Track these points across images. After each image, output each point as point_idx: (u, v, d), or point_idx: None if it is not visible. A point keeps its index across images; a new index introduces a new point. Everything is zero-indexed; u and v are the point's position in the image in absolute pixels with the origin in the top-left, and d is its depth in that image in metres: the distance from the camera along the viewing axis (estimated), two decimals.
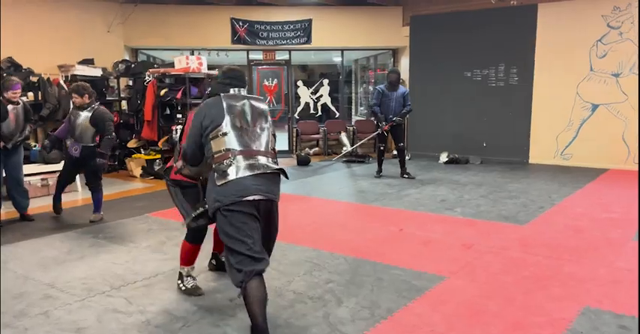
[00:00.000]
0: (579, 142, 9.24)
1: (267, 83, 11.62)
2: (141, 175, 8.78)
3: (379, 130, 8.17)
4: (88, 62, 9.26)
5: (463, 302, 3.46)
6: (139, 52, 11.12)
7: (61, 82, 8.70)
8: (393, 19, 11.08)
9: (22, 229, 5.47)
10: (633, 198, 6.54)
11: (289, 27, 10.80)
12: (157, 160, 8.83)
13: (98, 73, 9.28)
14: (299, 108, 11.86)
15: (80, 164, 5.83)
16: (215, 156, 2.90)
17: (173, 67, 8.63)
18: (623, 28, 8.62)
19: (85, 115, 5.70)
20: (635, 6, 8.43)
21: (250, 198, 2.81)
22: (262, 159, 2.93)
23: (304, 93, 11.88)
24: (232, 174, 2.84)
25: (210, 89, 3.39)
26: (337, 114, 12.12)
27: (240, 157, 2.88)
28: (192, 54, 10.85)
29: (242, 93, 3.13)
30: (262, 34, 10.77)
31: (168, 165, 3.70)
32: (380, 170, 8.44)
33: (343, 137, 11.10)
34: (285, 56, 11.56)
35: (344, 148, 10.85)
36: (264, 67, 11.59)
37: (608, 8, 8.71)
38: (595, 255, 4.40)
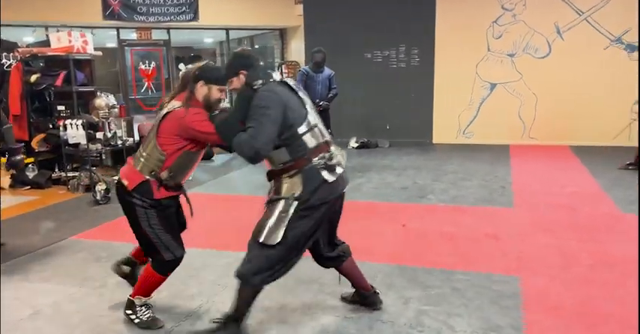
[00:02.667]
0: (479, 121, 9.61)
1: (143, 67, 10.03)
2: (11, 185, 6.85)
3: None
4: None
5: (570, 304, 3.07)
6: None
7: None
8: None
9: None
10: (564, 170, 6.89)
11: (173, 1, 9.38)
12: (30, 165, 6.95)
13: None
14: None
15: None
16: (314, 150, 2.62)
17: (48, 46, 6.83)
18: (516, 9, 9.07)
19: None
20: None
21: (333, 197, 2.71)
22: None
23: None
24: (338, 169, 2.69)
25: (248, 75, 2.63)
26: (225, 101, 11.00)
27: (333, 150, 2.71)
28: (47, 31, 8.91)
29: None
30: (141, 9, 9.19)
31: (135, 180, 2.71)
32: None
33: None
34: (162, 36, 10.08)
35: None
36: (138, 48, 9.97)
37: None
38: (624, 231, 4.38)
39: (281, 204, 2.59)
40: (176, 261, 2.82)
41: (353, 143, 9.57)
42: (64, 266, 3.91)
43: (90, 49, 6.88)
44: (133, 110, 9.45)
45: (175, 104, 2.67)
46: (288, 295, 3.28)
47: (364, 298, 3.09)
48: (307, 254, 3.76)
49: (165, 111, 2.67)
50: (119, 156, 7.17)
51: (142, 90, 10.06)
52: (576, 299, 3.16)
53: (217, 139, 2.61)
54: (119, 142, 7.02)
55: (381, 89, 9.91)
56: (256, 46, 12.62)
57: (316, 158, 2.60)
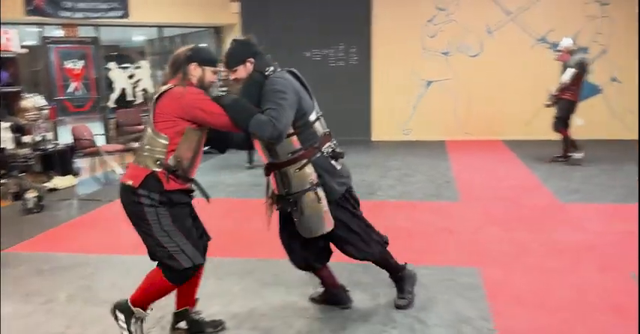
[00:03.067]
0: (417, 118, 9.83)
1: (70, 66, 9.45)
2: None
3: None
4: None
5: (530, 292, 3.19)
6: None
7: None
8: None
9: None
10: (501, 164, 7.18)
11: None
12: None
13: None
14: (114, 96, 9.98)
15: None
16: (322, 139, 2.69)
17: None
18: (450, 9, 9.35)
19: None
20: None
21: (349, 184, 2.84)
22: None
23: (119, 78, 10.04)
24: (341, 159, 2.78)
25: (256, 62, 2.62)
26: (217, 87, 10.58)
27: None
28: None
29: None
30: (66, 5, 8.63)
31: (140, 175, 2.40)
32: (251, 159, 7.62)
33: None
34: (90, 33, 9.55)
35: None
36: (64, 46, 9.38)
37: None
38: (567, 220, 4.60)
39: (308, 197, 2.58)
40: (193, 269, 2.49)
41: None
42: (3, 282, 3.59)
43: (15, 47, 6.40)
44: (60, 112, 8.89)
45: (168, 86, 2.44)
46: (256, 299, 3.19)
47: (334, 296, 3.06)
48: (269, 257, 3.69)
49: (158, 93, 2.45)
50: (50, 161, 6.72)
51: (69, 91, 9.49)
52: (535, 287, 3.28)
53: (226, 121, 2.38)
54: (49, 146, 6.59)
55: (321, 87, 9.71)
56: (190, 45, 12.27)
57: (324, 147, 2.64)
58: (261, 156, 2.73)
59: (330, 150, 2.69)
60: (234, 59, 2.58)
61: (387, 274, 3.08)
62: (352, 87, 9.88)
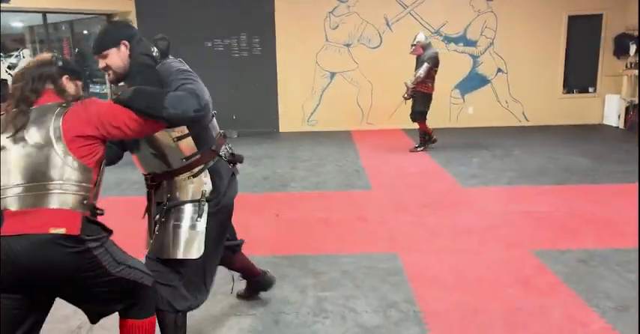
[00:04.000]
0: (322, 109, 9.98)
1: None
2: None
3: None
4: None
5: (446, 273, 3.41)
6: None
7: None
8: None
9: None
10: (404, 152, 7.51)
11: None
12: None
13: None
14: None
15: None
16: (217, 139, 2.39)
17: None
18: (350, 2, 9.53)
19: None
20: None
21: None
22: None
23: None
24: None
25: (154, 48, 2.31)
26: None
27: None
28: None
29: None
30: None
31: (74, 219, 1.83)
32: None
33: None
34: None
35: None
36: None
37: None
38: (468, 203, 4.93)
39: (188, 210, 2.26)
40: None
41: None
42: None
43: None
44: None
45: (48, 104, 1.93)
46: None
47: (258, 283, 3.03)
48: None
49: (53, 117, 1.88)
50: None
51: None
52: (449, 268, 3.50)
53: (140, 121, 1.95)
54: None
55: (225, 79, 9.71)
56: (77, 32, 11.44)
57: (221, 150, 2.36)
58: (139, 168, 2.37)
59: (227, 153, 2.41)
60: (104, 42, 2.16)
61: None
62: (257, 78, 9.80)
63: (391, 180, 5.97)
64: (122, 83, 2.23)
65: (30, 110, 1.90)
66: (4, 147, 1.85)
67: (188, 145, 2.21)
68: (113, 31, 2.24)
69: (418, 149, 7.51)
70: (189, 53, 9.12)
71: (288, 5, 9.54)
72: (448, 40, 9.63)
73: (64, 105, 1.93)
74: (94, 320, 2.06)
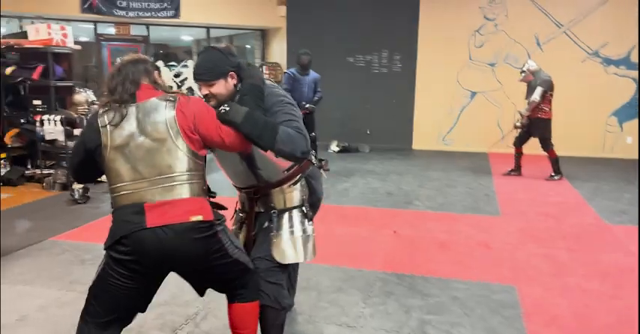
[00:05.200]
0: (459, 128, 9.70)
1: None
2: None
3: None
4: None
5: (569, 314, 3.09)
6: None
7: None
8: None
9: None
10: (544, 179, 6.98)
11: None
12: (2, 161, 6.66)
13: None
14: None
15: None
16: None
17: (24, 37, 6.56)
18: (498, 20, 9.20)
19: None
20: None
21: None
22: None
23: (166, 76, 10.28)
24: None
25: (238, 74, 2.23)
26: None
27: None
28: (21, 22, 8.60)
29: None
30: (121, 4, 8.94)
31: (206, 207, 2.04)
32: None
33: None
34: (141, 31, 9.83)
35: None
36: (116, 43, 9.70)
37: (485, 0, 9.20)
38: (611, 242, 4.45)
39: (297, 215, 2.38)
40: None
41: (334, 147, 9.53)
42: (47, 269, 3.73)
43: (70, 43, 6.64)
44: None
45: (154, 100, 2.00)
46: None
47: None
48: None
49: (165, 112, 1.97)
50: None
51: None
52: (573, 309, 3.18)
53: (240, 140, 2.03)
54: None
55: (363, 94, 9.90)
56: (236, 46, 12.47)
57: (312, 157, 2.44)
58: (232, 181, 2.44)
59: (317, 158, 2.49)
60: (213, 72, 2.16)
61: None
62: (395, 94, 9.83)
63: (523, 207, 5.59)
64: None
65: (135, 103, 1.99)
66: (123, 144, 1.95)
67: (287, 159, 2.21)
68: (221, 61, 2.17)
69: (555, 177, 6.95)
70: (331, 67, 9.61)
71: (432, 23, 9.46)
72: (607, 62, 8.81)
73: (170, 99, 2.00)
74: (202, 292, 2.23)
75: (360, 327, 2.92)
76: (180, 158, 1.97)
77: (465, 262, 3.96)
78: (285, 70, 7.65)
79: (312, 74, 7.39)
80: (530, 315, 3.08)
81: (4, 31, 8.78)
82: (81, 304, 2.12)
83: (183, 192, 1.97)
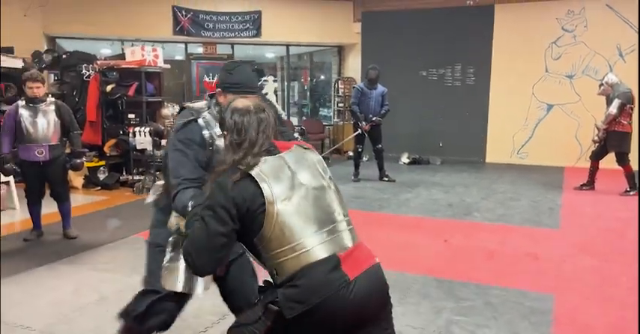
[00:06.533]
0: (534, 141, 9.51)
1: (207, 79, 10.60)
2: (83, 185, 7.45)
3: (359, 131, 7.72)
4: (6, 51, 7.67)
5: (602, 325, 3.12)
6: (55, 41, 9.54)
7: None
8: (344, 14, 10.65)
9: None
10: (618, 195, 6.73)
11: (237, 18, 9.91)
12: (102, 167, 7.54)
13: (19, 64, 7.72)
14: None
15: (47, 169, 4.70)
16: None
17: (123, 59, 7.44)
18: (576, 31, 8.98)
19: (46, 109, 4.69)
20: (588, 9, 8.81)
21: None
22: None
23: None
24: None
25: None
26: (283, 114, 11.41)
27: None
28: (123, 44, 9.61)
29: None
30: (208, 25, 9.77)
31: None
32: (357, 173, 7.96)
33: None
34: (226, 50, 10.63)
35: None
36: (204, 61, 10.55)
37: (563, 11, 9.03)
38: None
39: None
40: None
41: (404, 159, 9.70)
42: (128, 260, 4.30)
43: (160, 63, 7.43)
44: None
45: (297, 147, 1.90)
46: None
47: None
48: None
49: (310, 158, 1.88)
50: None
51: None
52: (608, 320, 3.19)
53: None
54: None
55: (435, 107, 10.00)
56: (316, 62, 13.01)
57: None
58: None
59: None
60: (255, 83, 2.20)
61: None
62: (468, 107, 9.84)
63: (586, 221, 5.49)
64: None
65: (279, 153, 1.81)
66: (289, 197, 1.72)
67: None
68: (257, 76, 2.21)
69: (630, 193, 6.69)
70: (404, 81, 9.85)
71: (507, 36, 9.40)
72: None
73: (304, 147, 1.91)
74: None
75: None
76: (338, 201, 1.86)
77: (507, 271, 4.05)
78: (354, 85, 7.99)
79: (380, 88, 7.68)
80: (561, 323, 3.15)
81: (109, 52, 9.90)
82: None
83: (355, 234, 1.86)
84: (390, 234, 5.01)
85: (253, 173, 1.69)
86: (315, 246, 1.68)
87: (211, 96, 2.22)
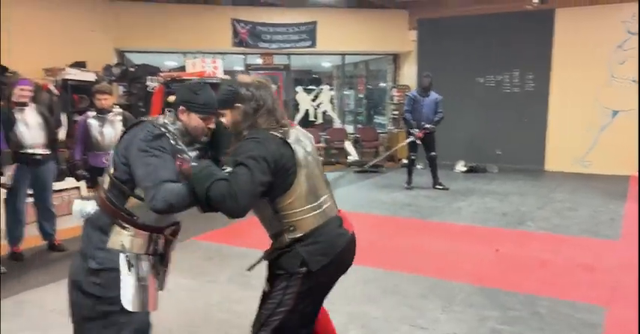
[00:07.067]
0: (598, 149, 9.14)
1: None
2: None
3: (411, 138, 7.72)
4: (79, 65, 8.24)
5: None
6: (124, 55, 10.12)
7: (52, 88, 7.66)
8: (399, 22, 10.67)
9: (51, 265, 4.56)
10: None
11: (294, 29, 10.17)
12: None
13: (91, 77, 8.25)
14: (298, 116, 11.19)
15: None
16: None
17: (184, 70, 7.81)
18: None
19: (113, 119, 4.99)
20: None
21: None
22: None
23: (304, 100, 11.24)
24: None
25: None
26: (338, 122, 11.56)
27: None
28: (185, 57, 10.05)
29: None
30: (265, 37, 10.07)
31: None
32: (410, 181, 7.95)
33: (348, 145, 10.57)
34: (283, 60, 10.90)
35: (349, 157, 10.35)
36: (262, 71, 10.86)
37: (628, 14, 8.67)
38: None
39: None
40: None
41: (460, 167, 9.58)
42: (181, 262, 4.51)
43: (219, 74, 7.73)
44: None
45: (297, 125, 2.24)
46: (372, 303, 3.55)
47: None
48: (395, 269, 3.99)
49: (308, 137, 2.21)
50: None
51: None
52: None
53: None
54: None
55: (493, 114, 9.83)
56: (372, 70, 13.07)
57: None
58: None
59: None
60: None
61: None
62: (527, 114, 9.62)
63: None
64: None
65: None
66: (306, 164, 2.05)
67: None
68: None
69: None
70: (460, 88, 9.76)
71: (568, 40, 9.14)
72: None
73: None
74: None
75: (432, 329, 3.17)
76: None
77: (558, 282, 3.95)
78: (407, 93, 8.00)
79: (433, 95, 7.65)
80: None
81: (174, 64, 10.39)
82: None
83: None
84: (438, 242, 5.00)
85: (289, 138, 1.99)
86: (326, 207, 2.08)
87: (170, 112, 2.21)
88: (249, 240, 5.16)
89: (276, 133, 2.00)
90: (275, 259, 2.08)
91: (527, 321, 3.26)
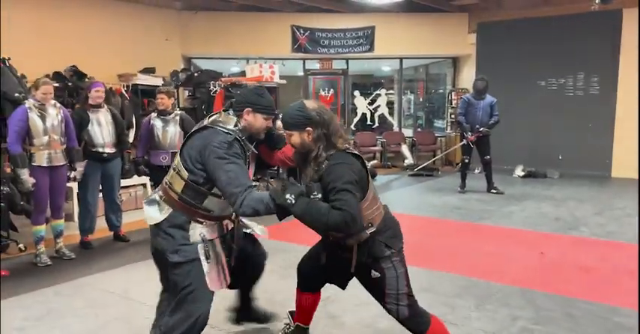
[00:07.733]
0: None
1: (323, 93, 11.16)
2: None
3: (464, 141, 7.68)
4: (149, 71, 8.83)
5: None
6: (191, 61, 10.70)
7: (124, 92, 8.27)
8: (458, 26, 10.61)
9: (115, 253, 4.97)
10: None
11: (351, 34, 10.36)
12: None
13: (159, 82, 8.81)
14: (355, 119, 11.37)
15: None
16: None
17: (244, 75, 8.19)
18: None
19: (173, 120, 5.34)
20: None
21: None
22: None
23: (361, 104, 11.40)
24: None
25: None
26: (395, 125, 11.62)
27: None
28: (248, 63, 10.46)
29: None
30: (324, 42, 10.33)
31: None
32: (464, 184, 7.91)
33: (404, 149, 10.60)
34: (342, 65, 11.11)
35: (405, 161, 10.37)
36: (319, 76, 11.13)
37: None
38: None
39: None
40: None
41: (519, 171, 9.39)
42: None
43: (276, 78, 8.05)
44: None
45: None
46: None
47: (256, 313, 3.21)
48: (433, 268, 4.08)
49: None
50: (293, 172, 8.19)
51: None
52: None
53: None
54: None
55: (555, 118, 9.56)
56: (432, 73, 13.03)
57: None
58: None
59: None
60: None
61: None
62: (591, 118, 9.29)
63: None
64: None
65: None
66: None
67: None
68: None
69: None
70: (520, 91, 9.60)
71: (637, 41, 8.73)
72: None
73: None
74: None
75: (462, 326, 3.23)
76: None
77: (600, 287, 3.88)
78: (462, 96, 7.97)
79: (488, 98, 7.59)
80: None
81: (237, 70, 10.87)
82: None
83: None
84: (482, 244, 5.00)
85: (359, 153, 2.38)
86: (379, 201, 2.46)
87: (233, 113, 2.46)
88: (293, 235, 5.39)
89: (354, 152, 2.36)
90: (362, 252, 2.42)
91: (560, 322, 3.25)
